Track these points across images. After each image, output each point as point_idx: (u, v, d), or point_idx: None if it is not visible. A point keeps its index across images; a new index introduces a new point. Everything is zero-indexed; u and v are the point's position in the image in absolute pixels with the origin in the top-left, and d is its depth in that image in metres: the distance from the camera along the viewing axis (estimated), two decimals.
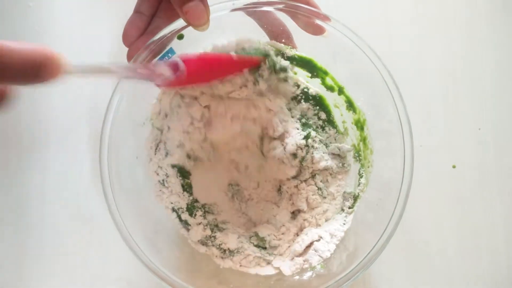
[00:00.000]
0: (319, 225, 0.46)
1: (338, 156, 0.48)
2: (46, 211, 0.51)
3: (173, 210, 0.46)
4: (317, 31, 0.43)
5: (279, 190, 0.48)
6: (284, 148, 0.46)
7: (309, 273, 0.43)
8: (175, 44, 0.43)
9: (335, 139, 0.48)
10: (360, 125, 0.46)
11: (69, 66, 0.28)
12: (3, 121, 0.52)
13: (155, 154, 0.46)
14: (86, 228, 0.50)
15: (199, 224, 0.46)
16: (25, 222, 0.50)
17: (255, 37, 0.45)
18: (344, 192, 0.48)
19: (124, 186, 0.42)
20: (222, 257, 0.45)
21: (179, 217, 0.46)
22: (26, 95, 0.52)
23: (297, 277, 0.43)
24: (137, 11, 0.45)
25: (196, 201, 0.47)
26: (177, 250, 0.46)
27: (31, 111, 0.52)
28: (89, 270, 0.49)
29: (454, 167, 0.51)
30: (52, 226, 0.50)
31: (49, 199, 0.51)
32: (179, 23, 0.41)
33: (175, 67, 0.37)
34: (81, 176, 0.51)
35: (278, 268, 0.44)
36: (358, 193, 0.46)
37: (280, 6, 0.42)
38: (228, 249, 0.45)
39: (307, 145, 0.46)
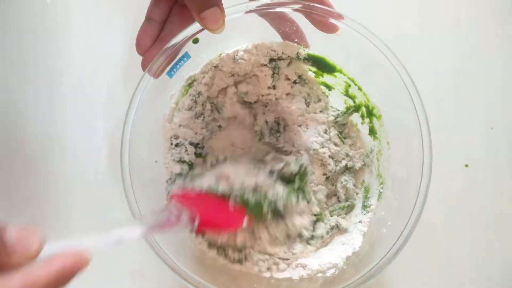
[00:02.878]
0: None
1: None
2: (61, 205, 0.51)
3: None
4: (331, 29, 0.43)
5: None
6: None
7: (332, 270, 0.44)
8: (190, 48, 0.43)
9: None
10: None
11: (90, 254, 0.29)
12: (22, 120, 0.52)
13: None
14: (101, 222, 0.50)
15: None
16: (42, 216, 0.51)
17: (268, 38, 0.45)
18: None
19: (142, 181, 0.43)
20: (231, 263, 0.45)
21: None
22: (42, 99, 0.53)
23: (319, 274, 0.44)
24: (148, 18, 0.45)
25: None
26: (193, 247, 0.46)
27: (48, 111, 0.53)
28: (103, 263, 0.49)
29: (466, 166, 0.51)
30: (67, 220, 0.51)
31: (65, 193, 0.51)
32: (194, 27, 0.42)
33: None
34: (97, 172, 0.51)
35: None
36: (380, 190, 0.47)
37: (294, 6, 0.42)
38: (235, 258, 0.45)
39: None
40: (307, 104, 0.48)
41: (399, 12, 0.55)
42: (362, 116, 0.48)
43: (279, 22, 0.44)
